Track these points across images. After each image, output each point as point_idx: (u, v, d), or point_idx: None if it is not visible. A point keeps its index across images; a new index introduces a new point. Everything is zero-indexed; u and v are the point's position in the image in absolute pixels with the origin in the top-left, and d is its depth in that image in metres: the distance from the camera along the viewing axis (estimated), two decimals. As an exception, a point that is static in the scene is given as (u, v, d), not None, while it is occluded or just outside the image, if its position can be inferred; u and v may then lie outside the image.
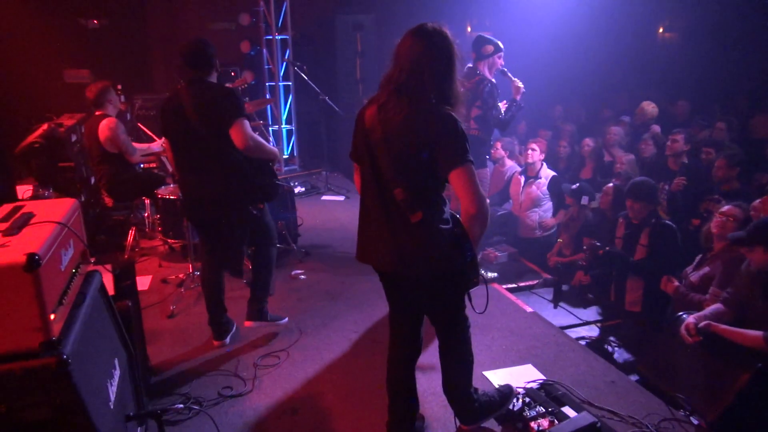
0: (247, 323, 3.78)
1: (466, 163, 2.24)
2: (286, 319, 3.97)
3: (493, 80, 4.57)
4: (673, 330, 3.53)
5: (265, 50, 8.47)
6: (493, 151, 6.21)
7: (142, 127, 5.87)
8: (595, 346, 4.14)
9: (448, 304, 2.61)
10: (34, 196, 4.56)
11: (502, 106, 4.66)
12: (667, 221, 4.45)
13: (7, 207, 2.23)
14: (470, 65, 4.63)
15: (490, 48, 4.55)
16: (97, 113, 4.95)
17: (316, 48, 9.09)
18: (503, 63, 4.62)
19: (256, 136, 3.38)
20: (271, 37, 8.33)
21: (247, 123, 3.32)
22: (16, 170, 5.18)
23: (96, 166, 5.07)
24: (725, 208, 3.76)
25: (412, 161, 2.30)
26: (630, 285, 4.45)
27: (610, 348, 4.11)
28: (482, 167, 4.72)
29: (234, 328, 3.86)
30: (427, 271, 2.41)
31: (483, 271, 4.68)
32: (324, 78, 8.27)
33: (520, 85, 4.62)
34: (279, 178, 3.77)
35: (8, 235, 1.91)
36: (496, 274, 4.87)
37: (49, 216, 2.10)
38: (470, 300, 2.62)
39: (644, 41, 9.70)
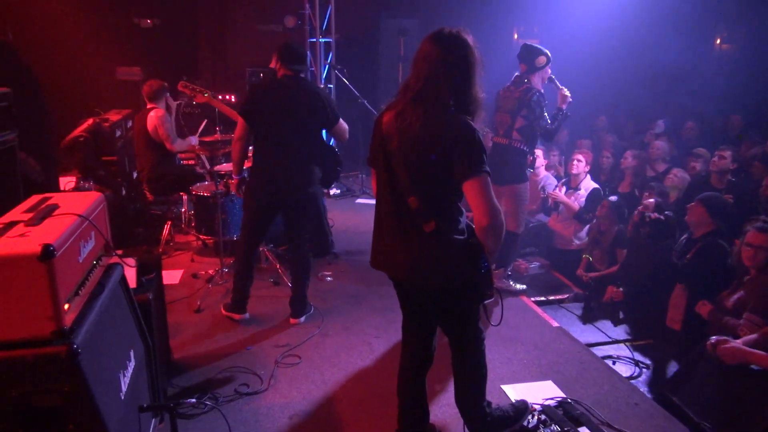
0: (293, 320, 4.09)
1: (481, 173, 2.20)
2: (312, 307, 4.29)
3: (542, 90, 4.40)
4: (704, 354, 3.38)
5: (308, 52, 8.56)
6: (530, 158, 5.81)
7: (181, 122, 6.05)
8: (622, 365, 4.01)
9: (460, 316, 2.57)
10: (76, 188, 4.74)
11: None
12: (721, 242, 4.23)
13: (36, 198, 2.32)
14: (518, 74, 4.48)
15: (543, 59, 4.37)
16: (149, 106, 5.26)
17: (359, 51, 9.13)
18: (550, 71, 4.47)
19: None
20: (315, 40, 8.42)
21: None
22: (61, 162, 5.41)
23: (139, 157, 5.30)
24: (749, 235, 3.55)
25: (427, 170, 2.28)
26: (673, 301, 4.28)
27: (637, 369, 3.96)
28: (523, 182, 4.54)
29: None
30: (439, 281, 2.39)
31: (511, 283, 4.66)
32: (366, 82, 8.31)
33: (567, 93, 4.44)
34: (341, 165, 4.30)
35: (29, 225, 1.98)
36: (524, 286, 4.75)
37: (71, 208, 2.16)
38: (486, 312, 2.58)
39: (700, 52, 9.36)
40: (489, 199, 2.21)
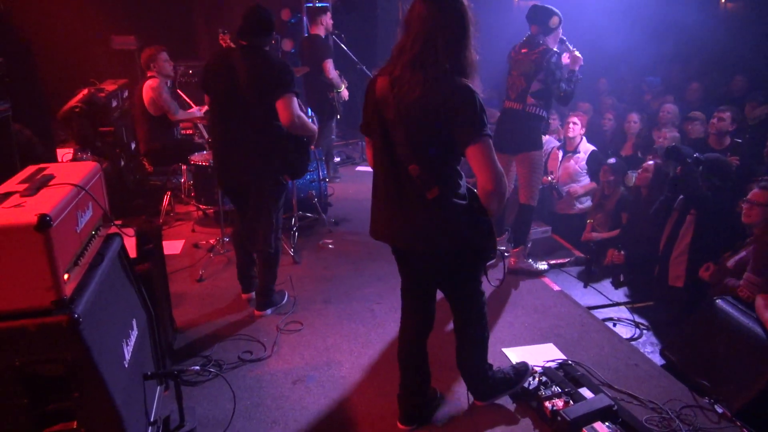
0: (258, 313, 3.77)
1: (483, 137, 2.16)
2: (287, 295, 3.98)
3: (558, 51, 4.19)
4: (705, 315, 3.40)
5: (305, 18, 8.42)
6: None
7: (181, 93, 5.96)
8: (623, 327, 4.03)
9: (463, 280, 2.57)
10: (74, 159, 4.71)
11: None
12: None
13: (31, 169, 2.30)
14: (530, 33, 4.24)
15: (556, 20, 4.10)
16: (148, 74, 5.19)
17: (356, 16, 8.97)
18: (561, 32, 4.24)
19: (302, 114, 3.39)
20: (311, 5, 8.26)
21: (295, 99, 3.34)
22: (58, 134, 5.36)
23: (137, 128, 5.25)
24: (754, 193, 3.52)
25: (427, 137, 2.23)
26: (675, 257, 4.29)
27: (637, 330, 3.99)
28: (539, 149, 4.34)
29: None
30: (443, 248, 2.37)
31: (531, 261, 4.55)
32: (363, 47, 8.16)
33: (579, 55, 4.23)
34: (310, 158, 3.79)
35: (25, 195, 1.96)
36: (546, 266, 4.51)
37: (67, 178, 2.14)
38: (486, 275, 2.58)
39: (704, 11, 9.16)
40: (493, 164, 2.18)
